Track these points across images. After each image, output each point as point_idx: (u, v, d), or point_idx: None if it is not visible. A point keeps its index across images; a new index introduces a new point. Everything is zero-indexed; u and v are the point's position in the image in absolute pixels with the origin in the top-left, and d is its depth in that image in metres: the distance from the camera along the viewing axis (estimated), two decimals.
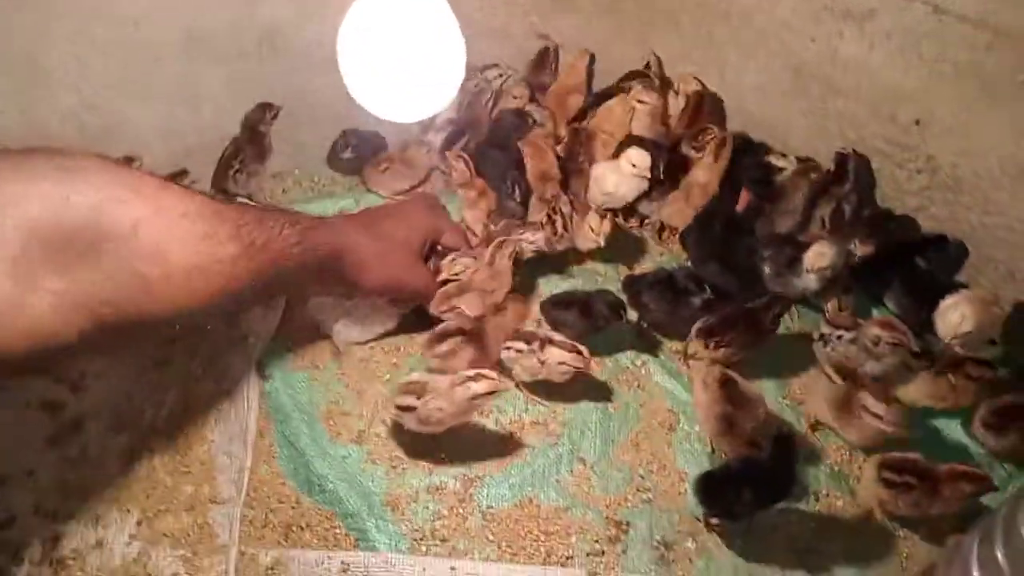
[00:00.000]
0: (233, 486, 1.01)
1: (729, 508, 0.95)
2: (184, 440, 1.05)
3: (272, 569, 0.94)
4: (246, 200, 1.31)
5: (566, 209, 1.20)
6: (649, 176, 1.23)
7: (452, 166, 1.32)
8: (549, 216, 1.20)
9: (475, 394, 0.97)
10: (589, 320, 1.11)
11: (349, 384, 1.14)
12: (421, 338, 1.14)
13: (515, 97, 1.44)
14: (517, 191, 1.29)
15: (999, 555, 0.59)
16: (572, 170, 1.32)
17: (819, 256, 1.10)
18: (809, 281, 1.12)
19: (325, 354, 1.16)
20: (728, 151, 1.26)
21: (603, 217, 1.20)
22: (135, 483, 1.01)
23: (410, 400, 0.98)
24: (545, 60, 1.50)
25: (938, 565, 0.89)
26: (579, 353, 1.04)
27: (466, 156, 1.32)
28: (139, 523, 0.98)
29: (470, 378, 0.97)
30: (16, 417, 1.07)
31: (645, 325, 1.18)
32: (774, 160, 1.27)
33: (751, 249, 1.16)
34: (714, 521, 0.99)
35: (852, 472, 1.07)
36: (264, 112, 1.30)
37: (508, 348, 1.06)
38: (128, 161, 1.16)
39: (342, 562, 0.94)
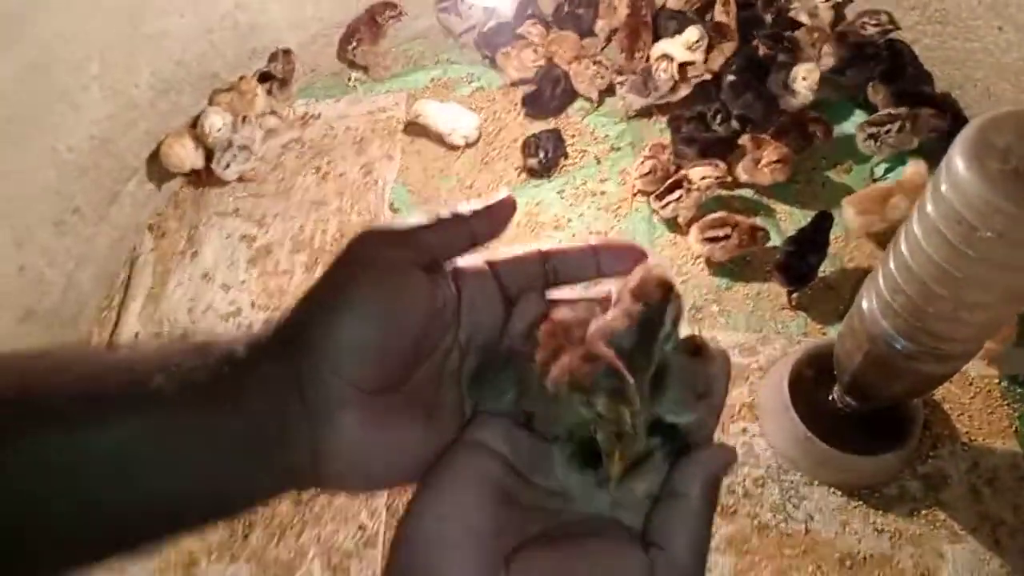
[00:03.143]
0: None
1: (804, 277, 1.24)
2: None
3: None
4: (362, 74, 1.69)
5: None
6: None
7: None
8: None
9: None
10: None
11: None
12: (508, 178, 1.50)
13: None
14: None
15: (943, 188, 0.76)
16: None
17: (809, 72, 1.38)
18: (803, 96, 1.40)
19: (437, 194, 1.54)
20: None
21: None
22: None
23: None
24: None
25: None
26: (716, 165, 1.35)
27: None
28: None
29: None
30: (223, 246, 1.50)
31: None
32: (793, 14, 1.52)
33: (771, 83, 1.44)
34: (795, 295, 1.27)
35: (844, 255, 1.38)
36: (385, 9, 1.64)
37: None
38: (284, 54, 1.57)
39: None
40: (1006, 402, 1.15)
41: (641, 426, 0.35)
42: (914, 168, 1.31)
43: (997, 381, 1.17)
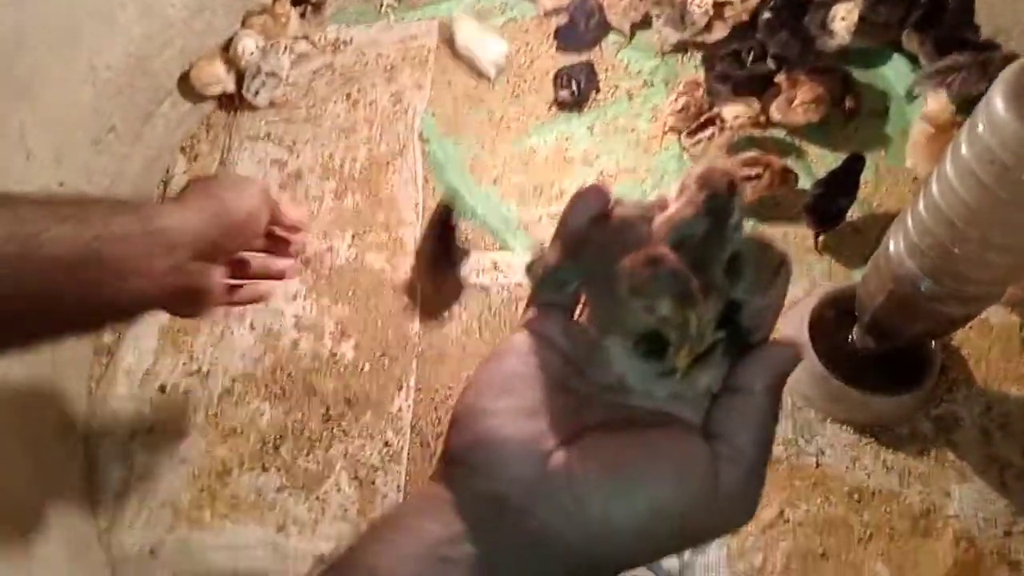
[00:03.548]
0: (413, 213, 1.44)
1: (834, 219, 1.25)
2: (375, 183, 1.48)
3: None
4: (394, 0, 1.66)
5: None
6: None
7: None
8: None
9: None
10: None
11: (484, 145, 1.52)
12: (538, 111, 1.49)
13: None
14: None
15: (979, 128, 0.75)
16: None
17: (848, 12, 1.34)
18: (841, 36, 1.37)
19: (467, 125, 1.54)
20: None
21: None
22: (346, 212, 1.46)
23: None
24: None
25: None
26: (749, 104, 1.34)
27: None
28: (352, 237, 1.43)
29: None
30: (255, 170, 1.52)
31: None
32: None
33: (808, 23, 1.41)
34: (822, 238, 1.27)
35: (873, 200, 1.37)
36: None
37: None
38: None
39: (492, 259, 1.37)
40: None
41: (712, 320, 0.34)
42: (935, 101, 1.29)
43: (1018, 329, 1.17)
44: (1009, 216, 0.78)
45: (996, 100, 0.75)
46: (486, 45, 1.58)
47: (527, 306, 0.39)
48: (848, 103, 1.38)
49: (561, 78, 1.52)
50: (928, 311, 0.93)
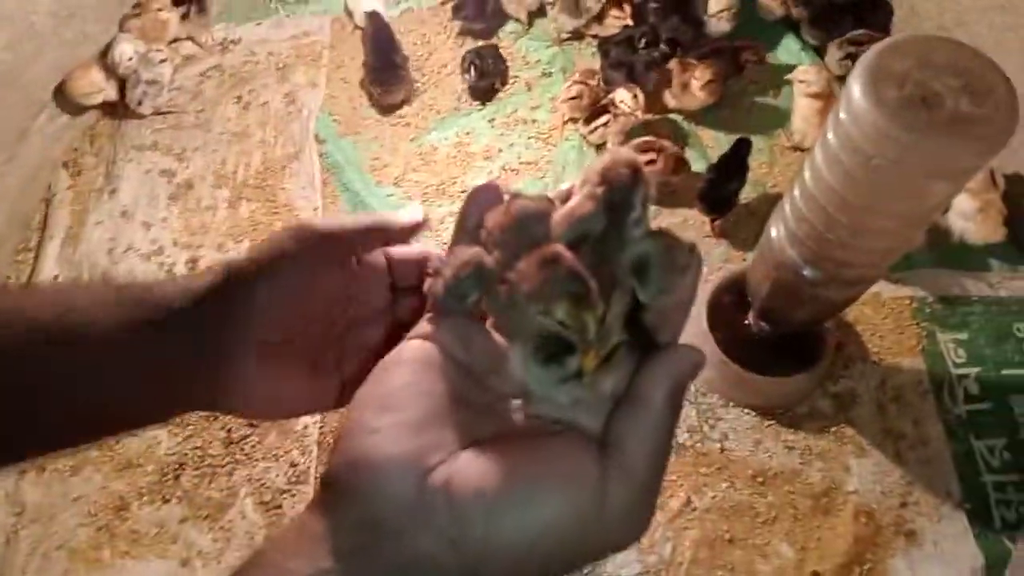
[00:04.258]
0: (313, 218, 1.40)
1: (725, 203, 1.24)
2: (271, 189, 1.42)
3: None
4: None
5: None
6: None
7: None
8: None
9: None
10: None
11: (383, 144, 1.48)
12: (438, 106, 1.46)
13: None
14: None
15: (841, 115, 0.75)
16: None
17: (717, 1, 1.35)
18: (719, 24, 1.38)
19: (365, 124, 1.49)
20: None
21: None
22: (241, 222, 1.40)
23: None
24: None
25: None
26: (634, 95, 1.32)
27: None
28: (249, 247, 1.38)
29: None
30: (142, 182, 1.45)
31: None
32: None
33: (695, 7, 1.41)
34: (718, 223, 1.27)
35: (768, 180, 1.38)
36: None
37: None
38: None
39: None
40: (915, 321, 1.19)
41: (614, 322, 0.33)
42: (804, 71, 1.31)
43: (908, 302, 1.20)
44: (875, 202, 0.79)
45: (854, 87, 0.75)
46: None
47: (425, 315, 0.37)
48: (744, 58, 1.38)
49: (467, 60, 1.48)
50: (812, 296, 0.93)
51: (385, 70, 1.48)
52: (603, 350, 0.32)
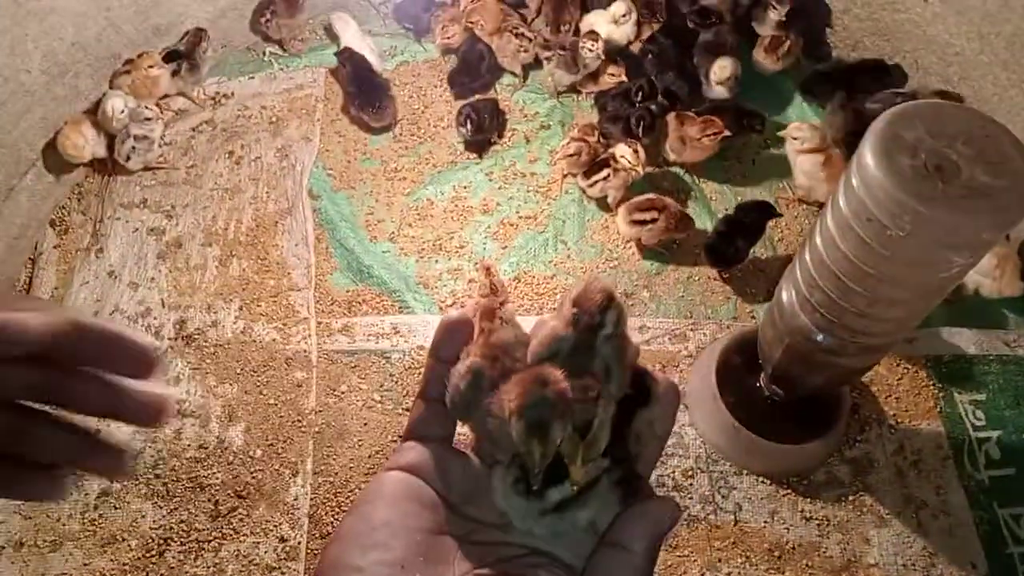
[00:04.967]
0: (304, 278, 1.36)
1: (732, 259, 1.22)
2: (262, 246, 1.39)
3: (342, 330, 1.30)
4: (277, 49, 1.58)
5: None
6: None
7: None
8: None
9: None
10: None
11: (378, 199, 1.45)
12: (434, 160, 1.43)
13: None
14: None
15: (854, 182, 0.73)
16: None
17: (722, 69, 1.33)
18: (719, 91, 1.36)
19: (359, 178, 1.46)
20: None
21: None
22: (232, 280, 1.36)
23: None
24: None
25: None
26: (635, 150, 1.30)
27: None
28: (240, 308, 1.34)
29: None
30: (130, 241, 1.41)
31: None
32: None
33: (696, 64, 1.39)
34: (725, 275, 1.25)
35: (775, 235, 1.35)
36: None
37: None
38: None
39: (391, 323, 1.30)
40: (931, 382, 1.15)
41: (603, 430, 0.35)
42: (797, 128, 1.29)
43: (923, 361, 1.16)
44: (891, 272, 0.75)
45: (866, 155, 0.72)
46: (369, 49, 1.57)
47: (402, 439, 0.39)
48: (747, 122, 1.36)
49: (463, 114, 1.45)
50: (826, 363, 0.90)
51: (371, 91, 1.48)
52: (588, 460, 0.35)
